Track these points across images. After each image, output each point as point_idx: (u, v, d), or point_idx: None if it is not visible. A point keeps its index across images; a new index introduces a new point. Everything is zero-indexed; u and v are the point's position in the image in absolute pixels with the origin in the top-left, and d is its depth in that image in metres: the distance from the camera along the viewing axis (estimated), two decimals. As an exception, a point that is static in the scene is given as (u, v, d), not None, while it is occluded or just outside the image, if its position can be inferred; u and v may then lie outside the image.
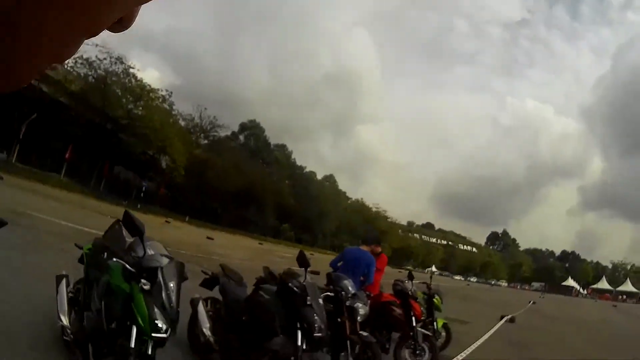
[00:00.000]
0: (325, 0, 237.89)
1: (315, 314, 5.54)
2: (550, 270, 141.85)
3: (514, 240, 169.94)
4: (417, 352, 8.70)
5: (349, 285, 7.35)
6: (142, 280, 3.92)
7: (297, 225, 62.56)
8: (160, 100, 47.31)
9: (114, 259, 4.14)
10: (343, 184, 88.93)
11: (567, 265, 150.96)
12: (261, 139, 78.30)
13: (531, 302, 42.65)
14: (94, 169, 44.34)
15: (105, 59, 42.54)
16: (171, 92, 49.51)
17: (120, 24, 0.47)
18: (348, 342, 6.97)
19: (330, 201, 73.19)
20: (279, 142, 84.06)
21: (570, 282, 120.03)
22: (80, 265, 5.31)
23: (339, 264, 8.78)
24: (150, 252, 4.14)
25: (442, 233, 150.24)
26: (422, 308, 9.20)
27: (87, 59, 41.80)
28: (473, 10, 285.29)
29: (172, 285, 4.05)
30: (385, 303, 8.80)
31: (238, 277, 6.92)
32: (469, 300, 32.71)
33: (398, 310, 8.67)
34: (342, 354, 7.00)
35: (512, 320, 21.04)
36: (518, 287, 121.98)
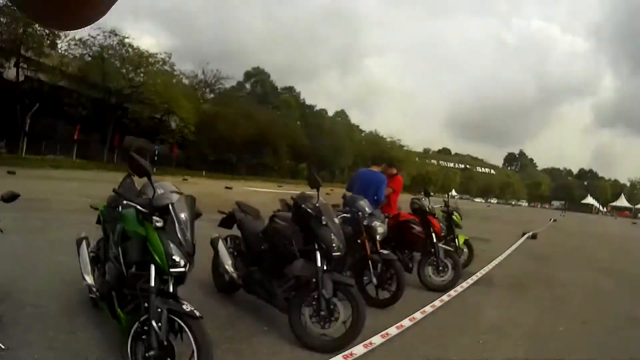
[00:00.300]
0: None
1: (332, 234, 5.60)
2: (569, 189, 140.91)
3: (531, 160, 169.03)
4: (440, 268, 8.86)
5: (365, 205, 7.50)
6: (155, 218, 4.01)
7: (314, 164, 61.98)
8: (160, 63, 46.57)
9: (125, 202, 4.24)
10: (355, 119, 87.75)
11: (585, 183, 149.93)
12: (267, 84, 77.20)
13: (552, 219, 43.05)
14: (104, 144, 44.29)
15: (98, 35, 41.99)
16: (170, 54, 48.66)
17: None
18: (370, 261, 7.20)
19: (344, 136, 71.86)
20: (287, 84, 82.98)
21: (590, 199, 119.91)
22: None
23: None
24: (160, 191, 4.21)
25: (459, 157, 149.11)
26: (441, 224, 9.31)
27: (80, 39, 41.21)
28: None
29: (185, 219, 4.14)
30: (404, 222, 8.92)
31: (254, 212, 7.03)
32: (490, 220, 32.84)
33: (417, 228, 8.79)
34: (365, 274, 7.27)
35: (534, 236, 21.24)
36: (538, 206, 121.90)
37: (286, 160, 64.28)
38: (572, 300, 9.19)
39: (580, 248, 20.14)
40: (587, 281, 11.58)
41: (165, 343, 3.75)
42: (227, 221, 7.17)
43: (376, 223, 7.35)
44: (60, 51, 40.50)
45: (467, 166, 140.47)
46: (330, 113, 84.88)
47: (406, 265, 8.29)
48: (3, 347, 4.06)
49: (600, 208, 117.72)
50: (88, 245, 5.55)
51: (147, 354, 3.73)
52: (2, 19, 33.37)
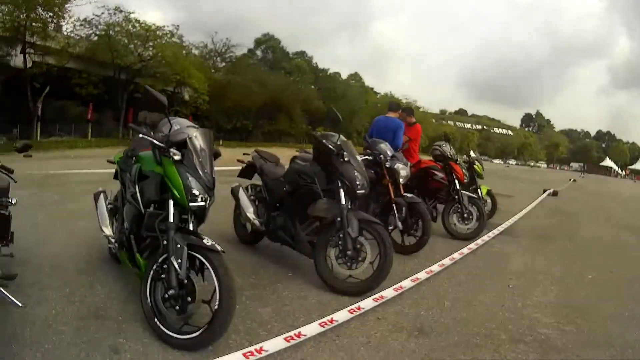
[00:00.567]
0: None
1: (355, 170, 5.44)
2: (588, 150, 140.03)
3: (548, 121, 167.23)
4: (465, 215, 8.69)
5: (387, 148, 7.31)
6: (172, 151, 3.85)
7: (330, 127, 62.13)
8: (169, 35, 46.11)
9: (141, 136, 4.05)
10: (369, 82, 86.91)
11: (603, 145, 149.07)
12: (278, 50, 76.21)
13: (571, 179, 43.13)
14: (118, 122, 44.30)
15: (102, 13, 41.65)
16: (178, 26, 48.00)
17: None
18: (394, 206, 7.02)
19: (359, 98, 70.75)
20: (297, 49, 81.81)
21: (608, 162, 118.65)
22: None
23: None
24: (176, 127, 4.06)
25: (475, 118, 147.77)
26: (463, 171, 9.12)
27: (84, 19, 40.73)
28: None
29: (204, 153, 3.98)
30: (425, 169, 8.79)
31: (275, 159, 6.83)
32: (511, 179, 32.76)
33: (440, 174, 8.67)
34: (390, 221, 7.07)
35: (554, 194, 21.35)
36: (557, 167, 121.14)
37: (302, 125, 63.75)
38: (598, 252, 9.02)
39: (600, 207, 19.98)
40: (610, 236, 11.38)
41: (186, 281, 3.60)
42: (247, 171, 7.01)
43: (398, 165, 7.15)
44: (65, 33, 40.24)
45: (485, 127, 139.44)
46: (344, 76, 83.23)
47: (430, 214, 7.96)
48: (20, 304, 3.94)
49: (619, 171, 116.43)
50: (106, 198, 5.43)
51: (166, 294, 3.61)
52: (3, 7, 33.05)
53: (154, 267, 3.77)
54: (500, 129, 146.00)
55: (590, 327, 4.76)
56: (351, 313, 4.34)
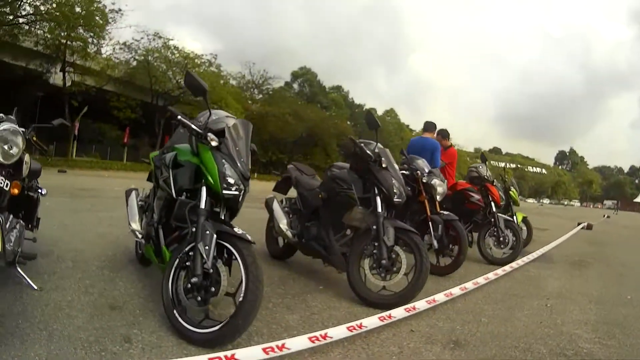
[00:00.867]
0: None
1: (392, 177, 5.30)
2: (621, 187, 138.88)
3: (582, 158, 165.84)
4: (501, 239, 8.46)
5: (424, 165, 7.21)
6: (210, 135, 3.78)
7: (367, 134, 62.30)
8: (207, 64, 46.93)
9: (179, 118, 3.96)
10: (405, 118, 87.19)
11: (637, 181, 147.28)
12: (315, 84, 77.26)
13: (605, 216, 43.24)
14: (154, 147, 44.88)
15: (142, 38, 42.59)
16: (216, 55, 48.84)
17: None
18: (430, 223, 6.86)
19: (395, 135, 71.10)
20: (333, 84, 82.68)
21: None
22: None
23: None
24: (214, 117, 4.00)
25: (510, 156, 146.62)
26: (500, 193, 8.95)
27: (124, 43, 41.83)
28: None
29: (241, 143, 3.91)
30: (461, 190, 8.64)
31: (311, 172, 6.78)
32: (545, 215, 32.65)
33: (476, 196, 8.52)
34: (426, 236, 6.89)
35: (589, 227, 21.02)
36: (591, 206, 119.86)
37: (337, 159, 64.26)
38: (635, 276, 8.84)
39: (635, 236, 20.29)
40: None
41: (211, 271, 3.46)
42: (283, 184, 6.90)
43: (435, 181, 7.02)
44: (105, 55, 41.17)
45: (519, 165, 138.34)
46: (380, 112, 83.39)
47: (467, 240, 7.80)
48: (35, 287, 3.99)
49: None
50: (137, 195, 5.42)
51: (189, 283, 3.47)
52: (45, 24, 34.00)
53: (180, 254, 3.65)
54: (534, 167, 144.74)
55: (633, 342, 4.56)
56: (381, 320, 4.13)
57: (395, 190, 5.22)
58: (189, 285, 3.47)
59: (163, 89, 43.08)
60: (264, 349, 3.15)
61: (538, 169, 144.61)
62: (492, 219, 8.51)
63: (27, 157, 3.94)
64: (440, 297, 5.19)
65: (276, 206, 6.25)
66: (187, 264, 3.56)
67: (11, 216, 3.76)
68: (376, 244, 5.00)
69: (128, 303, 4.13)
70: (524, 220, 10.47)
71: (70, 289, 4.30)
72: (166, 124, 42.99)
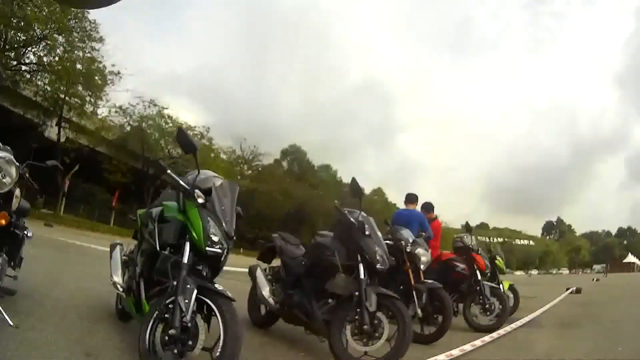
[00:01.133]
0: (339, 16, 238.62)
1: (376, 245, 5.33)
2: (610, 250, 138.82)
3: (569, 226, 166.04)
4: (487, 306, 8.46)
5: (409, 235, 7.22)
6: (197, 192, 3.84)
7: (350, 201, 62.21)
8: (199, 137, 47.40)
9: (168, 172, 4.08)
10: (392, 196, 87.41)
11: (625, 242, 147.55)
12: (304, 162, 77.68)
13: (594, 279, 43.45)
14: (143, 212, 44.88)
15: (137, 104, 43.15)
16: (208, 128, 49.51)
17: None
18: (414, 292, 6.84)
19: (381, 214, 71.70)
20: (322, 162, 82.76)
21: (631, 258, 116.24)
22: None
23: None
24: (202, 176, 4.08)
25: (497, 231, 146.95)
26: (485, 262, 8.96)
27: (120, 107, 42.30)
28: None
29: (227, 203, 3.96)
30: (446, 261, 8.69)
31: (295, 241, 6.76)
32: (533, 284, 32.49)
33: (461, 266, 8.54)
34: (410, 305, 6.86)
35: (578, 291, 21.12)
36: (580, 272, 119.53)
37: (324, 239, 64.46)
38: (625, 330, 8.88)
39: (623, 296, 20.17)
40: (636, 316, 11.32)
41: (190, 325, 3.45)
42: (267, 253, 6.92)
43: (419, 250, 7.05)
44: (101, 116, 41.54)
45: (506, 239, 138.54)
46: (368, 191, 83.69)
47: (451, 307, 7.74)
48: (12, 323, 3.98)
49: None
50: (122, 250, 5.48)
51: (167, 335, 3.44)
52: (47, 76, 34.52)
53: (160, 306, 3.63)
54: (521, 240, 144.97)
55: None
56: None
57: (378, 257, 5.26)
58: (167, 338, 3.44)
59: (154, 157, 43.33)
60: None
61: (526, 241, 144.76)
62: (478, 287, 8.50)
63: (17, 192, 4.02)
64: (424, 364, 5.16)
65: (259, 274, 6.26)
66: (166, 316, 3.53)
67: None
68: (358, 309, 4.97)
69: (104, 353, 4.10)
70: (511, 287, 10.46)
71: (46, 331, 4.28)
72: (155, 192, 43.10)
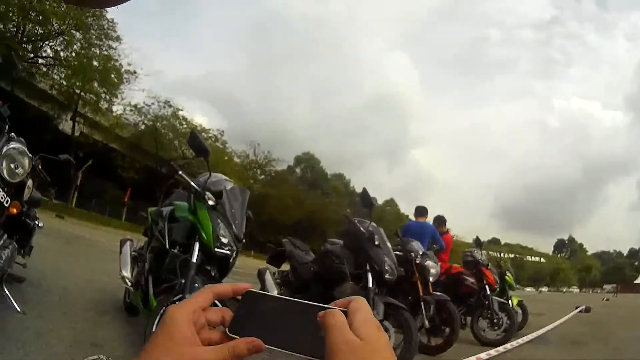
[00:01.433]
0: (356, 30, 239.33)
1: (384, 255, 5.34)
2: (620, 270, 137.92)
3: (581, 245, 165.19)
4: (495, 321, 8.39)
5: (418, 247, 7.20)
6: (208, 194, 3.86)
7: (360, 212, 62.15)
8: (213, 139, 47.44)
9: (180, 174, 4.09)
10: (404, 208, 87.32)
11: (636, 263, 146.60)
12: (318, 170, 77.98)
13: (604, 299, 43.63)
14: (154, 211, 44.97)
15: (153, 103, 43.37)
16: (222, 131, 49.76)
17: None
18: (422, 303, 6.81)
19: (393, 224, 71.73)
20: (336, 171, 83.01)
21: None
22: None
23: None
24: (214, 179, 4.11)
25: (508, 247, 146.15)
26: (494, 277, 8.91)
27: (135, 106, 42.58)
28: (502, 16, 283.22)
29: (237, 206, 4.00)
30: (455, 274, 8.62)
31: (304, 247, 6.81)
32: (543, 302, 32.28)
33: (470, 279, 8.47)
34: (418, 316, 6.83)
35: (587, 310, 20.79)
36: (590, 291, 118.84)
37: (335, 247, 64.49)
38: (633, 352, 8.79)
39: (632, 316, 20.50)
40: None
41: None
42: (277, 257, 6.99)
43: (429, 263, 6.99)
44: (115, 113, 41.70)
45: (517, 255, 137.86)
46: (380, 201, 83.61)
47: (459, 320, 7.69)
48: (19, 310, 4.03)
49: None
50: (132, 246, 5.54)
51: None
52: (63, 70, 34.88)
53: (167, 304, 3.61)
54: (532, 257, 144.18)
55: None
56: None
57: (386, 267, 5.27)
58: None
59: (168, 156, 43.41)
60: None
61: (537, 258, 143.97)
62: (486, 302, 8.43)
63: (29, 182, 4.03)
64: (428, 376, 5.13)
65: (268, 277, 6.25)
66: None
67: (5, 235, 3.83)
68: None
69: (110, 344, 4.13)
70: (520, 303, 10.37)
71: (53, 320, 4.32)
72: (167, 191, 43.09)
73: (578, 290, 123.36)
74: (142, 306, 4.29)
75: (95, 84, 35.74)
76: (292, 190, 60.67)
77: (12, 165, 3.46)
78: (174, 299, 3.60)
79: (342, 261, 5.48)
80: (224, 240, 3.79)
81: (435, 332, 6.93)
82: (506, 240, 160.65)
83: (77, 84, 34.85)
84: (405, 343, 4.82)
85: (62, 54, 34.87)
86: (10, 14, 30.94)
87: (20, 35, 32.41)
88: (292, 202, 56.69)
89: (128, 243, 5.56)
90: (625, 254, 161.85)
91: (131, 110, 42.52)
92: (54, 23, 32.72)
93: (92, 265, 8.86)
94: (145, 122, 44.26)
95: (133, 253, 5.44)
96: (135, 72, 37.89)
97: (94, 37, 35.10)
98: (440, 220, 9.91)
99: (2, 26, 30.81)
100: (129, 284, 4.92)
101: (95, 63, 35.13)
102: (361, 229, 5.44)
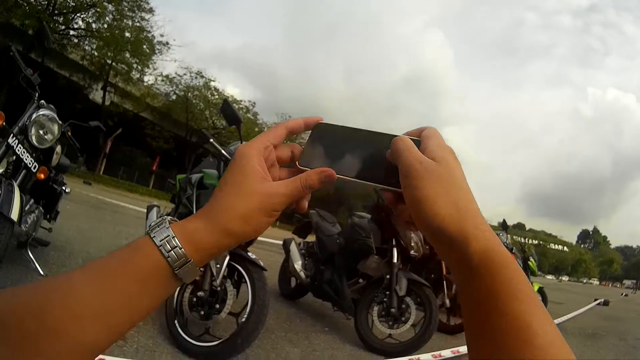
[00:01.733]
0: (392, 7, 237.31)
1: (411, 232, 5.31)
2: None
3: (604, 237, 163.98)
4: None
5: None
6: None
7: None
8: (245, 110, 47.46)
9: (211, 142, 4.05)
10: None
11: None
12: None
13: (623, 294, 43.37)
14: (182, 181, 45.23)
15: (185, 74, 43.44)
16: (254, 103, 49.34)
17: None
18: (444, 282, 6.82)
19: None
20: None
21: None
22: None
23: None
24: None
25: (533, 233, 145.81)
26: (518, 261, 8.86)
27: (167, 76, 42.66)
28: (540, 1, 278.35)
29: None
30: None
31: (332, 219, 6.81)
32: (562, 291, 32.16)
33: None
34: (440, 295, 6.85)
35: (605, 303, 20.70)
36: (610, 285, 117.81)
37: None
38: None
39: None
40: None
41: (219, 289, 3.51)
42: (302, 229, 7.03)
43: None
44: (147, 83, 41.87)
45: (541, 242, 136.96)
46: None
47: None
48: (42, 273, 4.05)
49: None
50: (158, 212, 5.52)
51: (195, 297, 3.52)
52: (94, 41, 35.14)
53: None
54: (556, 245, 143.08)
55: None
56: (385, 366, 4.13)
57: (412, 244, 5.25)
58: (195, 299, 3.51)
59: (198, 126, 43.55)
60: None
61: (560, 247, 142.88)
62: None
63: (58, 148, 4.08)
64: (446, 353, 5.13)
65: (293, 247, 6.31)
66: (196, 278, 3.55)
67: (32, 200, 3.90)
68: (387, 292, 4.99)
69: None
70: (540, 290, 10.27)
71: None
72: (196, 160, 43.40)
73: (598, 282, 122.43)
74: None
75: (127, 55, 35.88)
76: (321, 162, 60.72)
77: (41, 132, 3.51)
78: None
79: (368, 235, 5.46)
80: None
81: (455, 312, 6.90)
82: (531, 226, 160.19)
83: (109, 54, 35.05)
84: (425, 320, 4.83)
85: (94, 25, 35.02)
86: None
87: (51, 8, 32.49)
88: (323, 176, 56.71)
89: (155, 209, 5.57)
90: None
91: (163, 80, 42.70)
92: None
93: (117, 230, 8.92)
94: (177, 92, 44.31)
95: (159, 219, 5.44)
96: (167, 43, 38.07)
97: (126, 9, 35.18)
98: None
99: (33, -1, 30.96)
100: None
101: (127, 34, 35.25)
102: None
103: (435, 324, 4.81)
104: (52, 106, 3.82)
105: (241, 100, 47.98)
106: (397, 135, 0.65)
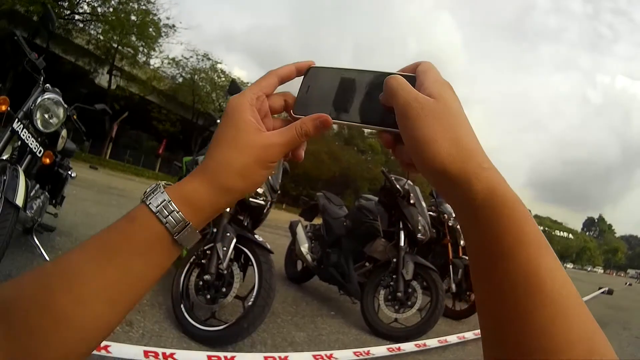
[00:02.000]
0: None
1: (419, 214, 5.30)
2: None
3: (609, 226, 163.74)
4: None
5: (452, 209, 7.14)
6: None
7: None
8: (252, 92, 47.48)
9: (217, 121, 4.05)
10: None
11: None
12: (354, 128, 78.03)
13: (627, 283, 43.81)
14: (188, 163, 45.28)
15: (191, 57, 43.28)
16: (262, 85, 49.84)
17: None
18: (451, 267, 6.80)
19: (429, 186, 71.43)
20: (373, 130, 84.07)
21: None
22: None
23: None
24: None
25: (538, 219, 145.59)
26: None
27: (173, 59, 42.50)
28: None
29: None
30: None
31: (339, 202, 6.79)
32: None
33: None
34: (445, 279, 6.82)
35: (609, 292, 20.78)
36: (614, 273, 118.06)
37: (368, 205, 64.45)
38: None
39: None
40: None
41: (225, 272, 3.48)
42: (309, 211, 6.99)
43: (461, 226, 6.92)
44: (153, 67, 41.77)
45: (546, 229, 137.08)
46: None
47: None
48: (48, 258, 3.97)
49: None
50: None
51: (201, 280, 3.50)
52: (100, 25, 35.01)
53: (197, 252, 3.66)
54: (561, 232, 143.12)
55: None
56: (390, 351, 4.10)
57: (420, 227, 5.22)
58: (201, 283, 3.49)
59: (205, 109, 43.46)
60: (265, 358, 3.14)
61: (565, 234, 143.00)
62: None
63: (64, 132, 4.05)
64: (452, 339, 5.13)
65: (300, 230, 6.29)
66: (203, 261, 3.57)
67: (38, 185, 3.91)
68: (394, 276, 4.97)
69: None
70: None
71: None
72: (202, 143, 43.39)
73: (602, 271, 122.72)
74: None
75: (133, 38, 35.77)
76: (328, 145, 60.29)
77: (46, 116, 3.48)
78: (205, 247, 3.62)
79: (375, 217, 5.46)
80: (259, 190, 3.76)
81: (460, 297, 6.88)
82: (537, 212, 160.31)
83: (115, 38, 34.92)
84: (431, 305, 4.82)
85: (99, 9, 34.85)
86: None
87: (56, -8, 32.30)
88: (327, 157, 56.35)
89: None
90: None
91: (169, 63, 42.56)
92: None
93: (124, 214, 8.95)
94: (183, 74, 44.17)
95: None
96: (174, 26, 37.86)
97: (132, -8, 34.94)
98: None
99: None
100: None
101: (133, 17, 35.01)
102: (397, 186, 5.39)
103: (441, 308, 4.80)
104: (57, 90, 3.79)
105: (248, 82, 47.82)
106: (391, 74, 0.62)
